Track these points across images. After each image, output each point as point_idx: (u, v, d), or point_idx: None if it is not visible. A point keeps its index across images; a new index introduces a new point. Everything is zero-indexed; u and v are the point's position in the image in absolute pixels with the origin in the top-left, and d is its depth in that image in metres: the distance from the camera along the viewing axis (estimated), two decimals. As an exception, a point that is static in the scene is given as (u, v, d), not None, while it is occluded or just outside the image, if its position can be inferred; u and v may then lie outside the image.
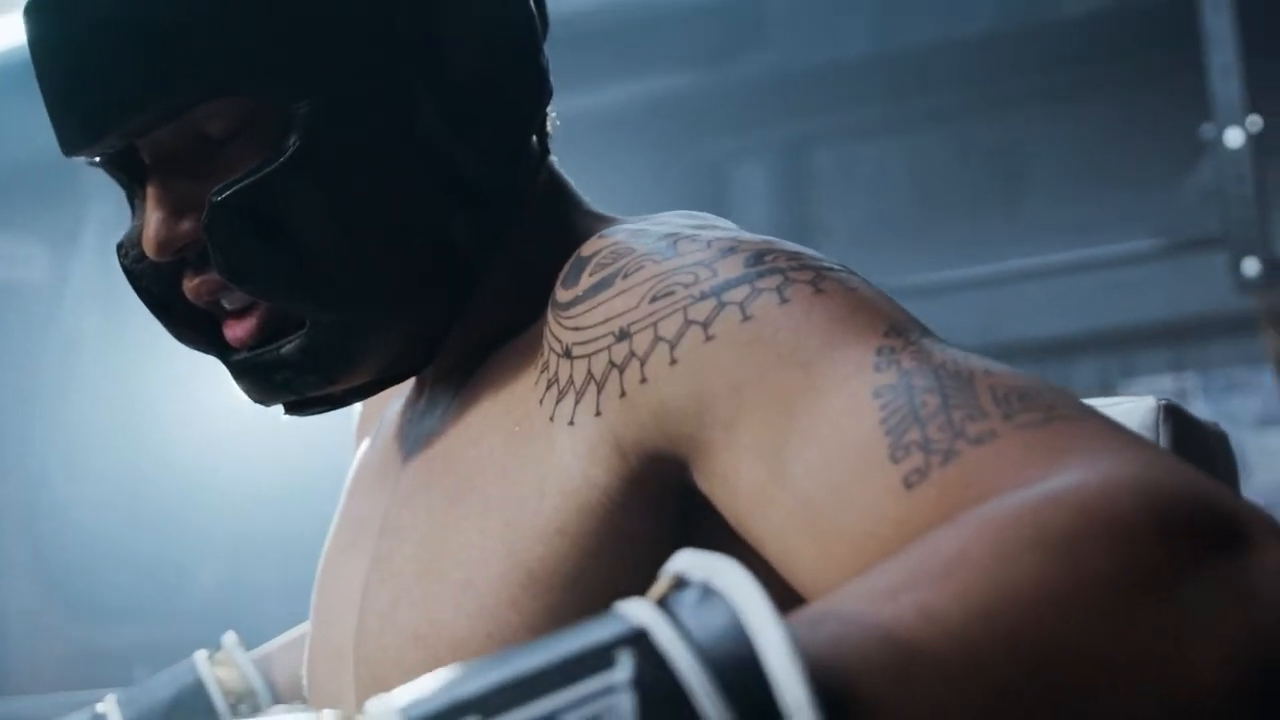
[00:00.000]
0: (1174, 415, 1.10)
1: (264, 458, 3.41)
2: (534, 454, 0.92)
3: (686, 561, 0.53)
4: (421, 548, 0.97)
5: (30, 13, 0.95)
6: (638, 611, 0.51)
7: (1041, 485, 0.61)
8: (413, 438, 1.06)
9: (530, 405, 0.94)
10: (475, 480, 0.96)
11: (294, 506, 3.13)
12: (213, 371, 1.05)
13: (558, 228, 1.00)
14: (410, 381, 1.11)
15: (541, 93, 1.03)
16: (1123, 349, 3.56)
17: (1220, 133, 3.24)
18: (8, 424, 3.72)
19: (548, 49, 1.06)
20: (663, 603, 0.51)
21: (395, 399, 1.17)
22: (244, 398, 1.04)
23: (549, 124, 1.06)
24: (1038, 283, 3.61)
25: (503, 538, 0.91)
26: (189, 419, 3.48)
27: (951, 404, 0.71)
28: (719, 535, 0.82)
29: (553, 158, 1.06)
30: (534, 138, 1.03)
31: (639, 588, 0.61)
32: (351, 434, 1.34)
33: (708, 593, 0.51)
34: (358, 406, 1.31)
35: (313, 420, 1.08)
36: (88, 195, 3.61)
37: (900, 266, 3.52)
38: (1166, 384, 3.51)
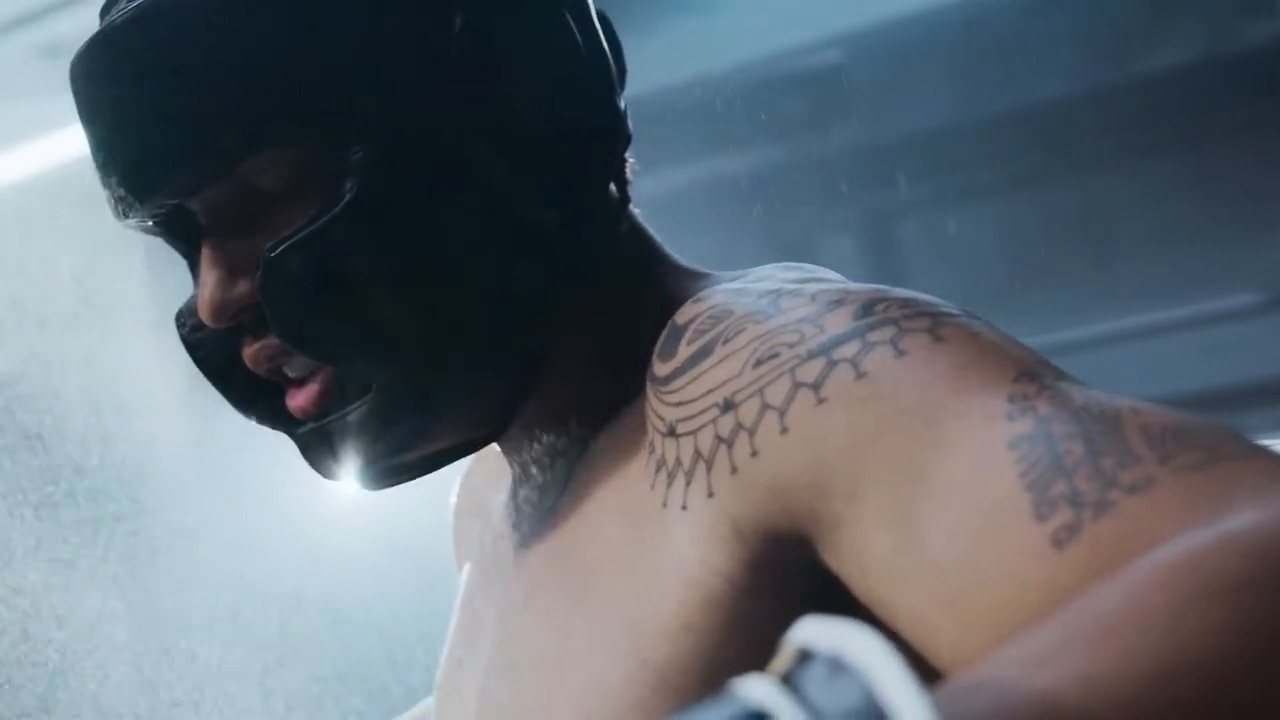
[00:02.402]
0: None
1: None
2: (650, 545, 0.85)
3: (811, 630, 0.47)
4: (542, 654, 0.91)
5: (74, 77, 0.92)
6: (757, 690, 0.45)
7: (1211, 529, 0.55)
8: (522, 534, 1.01)
9: (642, 491, 0.88)
10: (594, 578, 0.90)
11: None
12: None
13: (647, 287, 0.95)
14: (507, 471, 1.06)
15: (617, 138, 0.97)
16: (1226, 409, 3.47)
17: (1317, 182, 3.17)
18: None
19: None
20: (786, 679, 0.45)
21: (495, 493, 1.11)
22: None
23: (629, 170, 1.01)
24: (1133, 345, 3.54)
25: (627, 639, 0.85)
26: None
27: (1099, 450, 0.64)
28: (856, 617, 0.75)
29: (634, 208, 1.01)
30: (611, 185, 0.98)
31: None
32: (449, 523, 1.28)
33: (837, 666, 0.45)
34: (452, 500, 1.25)
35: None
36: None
37: (993, 333, 3.46)
38: (1275, 445, 3.40)
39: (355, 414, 0.90)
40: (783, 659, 0.47)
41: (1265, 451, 0.64)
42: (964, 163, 3.83)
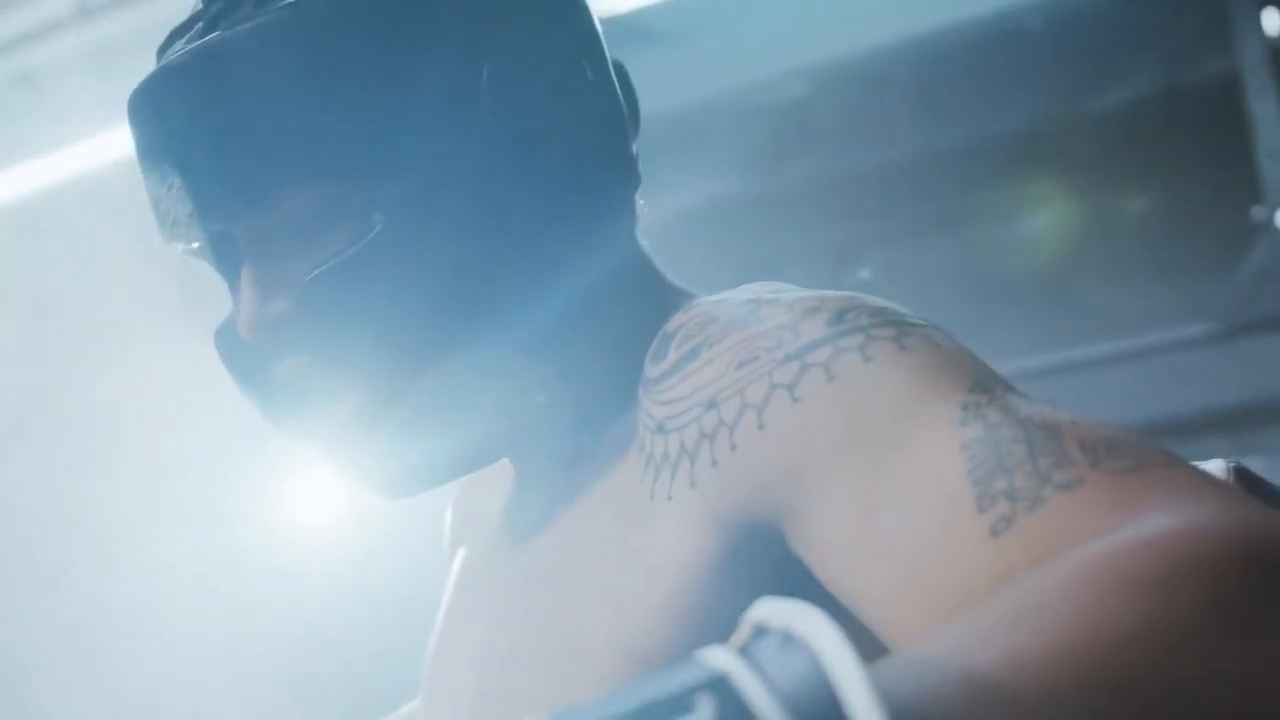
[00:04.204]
0: (1244, 477, 1.08)
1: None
2: (638, 535, 0.91)
3: (767, 609, 0.53)
4: (534, 638, 0.96)
5: (130, 108, 0.98)
6: (717, 658, 0.50)
7: (1130, 529, 0.61)
8: (519, 532, 1.06)
9: (632, 485, 0.93)
10: (584, 568, 0.95)
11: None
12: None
13: (647, 307, 1.00)
14: (509, 477, 1.11)
15: (628, 181, 1.03)
16: (1183, 437, 3.53)
17: (1271, 214, 3.24)
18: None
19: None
20: (743, 651, 0.51)
21: (492, 496, 1.16)
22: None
23: (637, 209, 1.06)
24: (1093, 374, 3.59)
25: (614, 625, 0.90)
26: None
27: (1038, 453, 0.70)
28: (824, 606, 0.81)
29: (643, 242, 1.06)
30: (623, 223, 1.04)
31: None
32: (444, 540, 1.32)
33: (788, 639, 0.50)
34: (448, 516, 1.30)
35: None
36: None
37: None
38: (1208, 466, 3.44)
39: (381, 427, 0.95)
40: (741, 634, 0.52)
41: (1185, 464, 0.69)
42: (927, 194, 3.89)
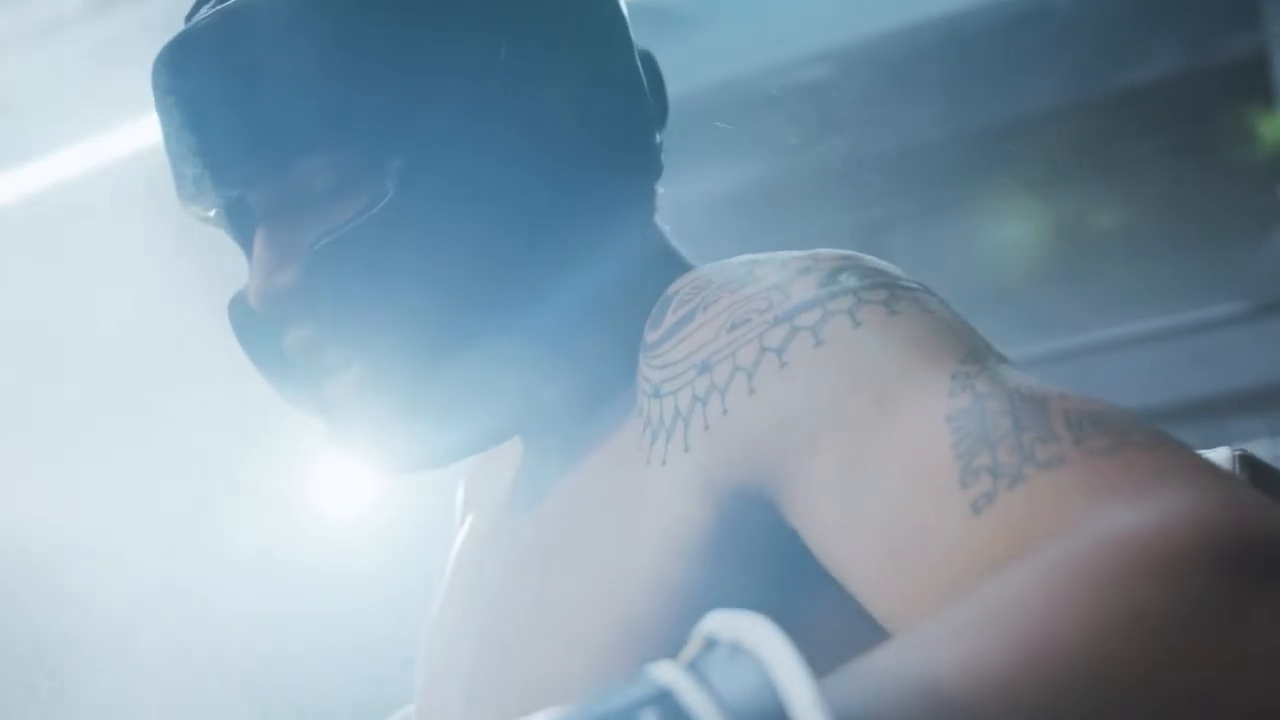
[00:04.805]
0: (1250, 464, 1.07)
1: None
2: (633, 499, 0.90)
3: (716, 621, 0.52)
4: (530, 611, 0.96)
5: (156, 72, 0.99)
6: (664, 672, 0.49)
7: (1101, 522, 0.60)
8: (522, 502, 1.06)
9: (630, 452, 0.93)
10: (581, 535, 0.94)
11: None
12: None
13: (660, 288, 0.99)
14: (519, 449, 1.11)
15: (648, 171, 1.03)
16: (1215, 417, 3.50)
17: (1298, 192, 3.21)
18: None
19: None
20: (692, 664, 0.50)
21: (502, 468, 1.16)
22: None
23: (655, 197, 1.06)
24: (1121, 354, 3.57)
25: (607, 593, 0.89)
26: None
27: (1022, 427, 0.69)
28: (817, 578, 0.80)
29: (664, 226, 1.05)
30: (641, 211, 1.03)
31: None
32: (455, 509, 1.31)
33: (736, 651, 0.50)
34: (459, 493, 1.30)
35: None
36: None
37: (980, 344, 3.50)
38: (1263, 450, 3.42)
39: (386, 403, 0.95)
40: (691, 647, 0.52)
41: (1171, 443, 0.67)
42: (952, 176, 3.86)
